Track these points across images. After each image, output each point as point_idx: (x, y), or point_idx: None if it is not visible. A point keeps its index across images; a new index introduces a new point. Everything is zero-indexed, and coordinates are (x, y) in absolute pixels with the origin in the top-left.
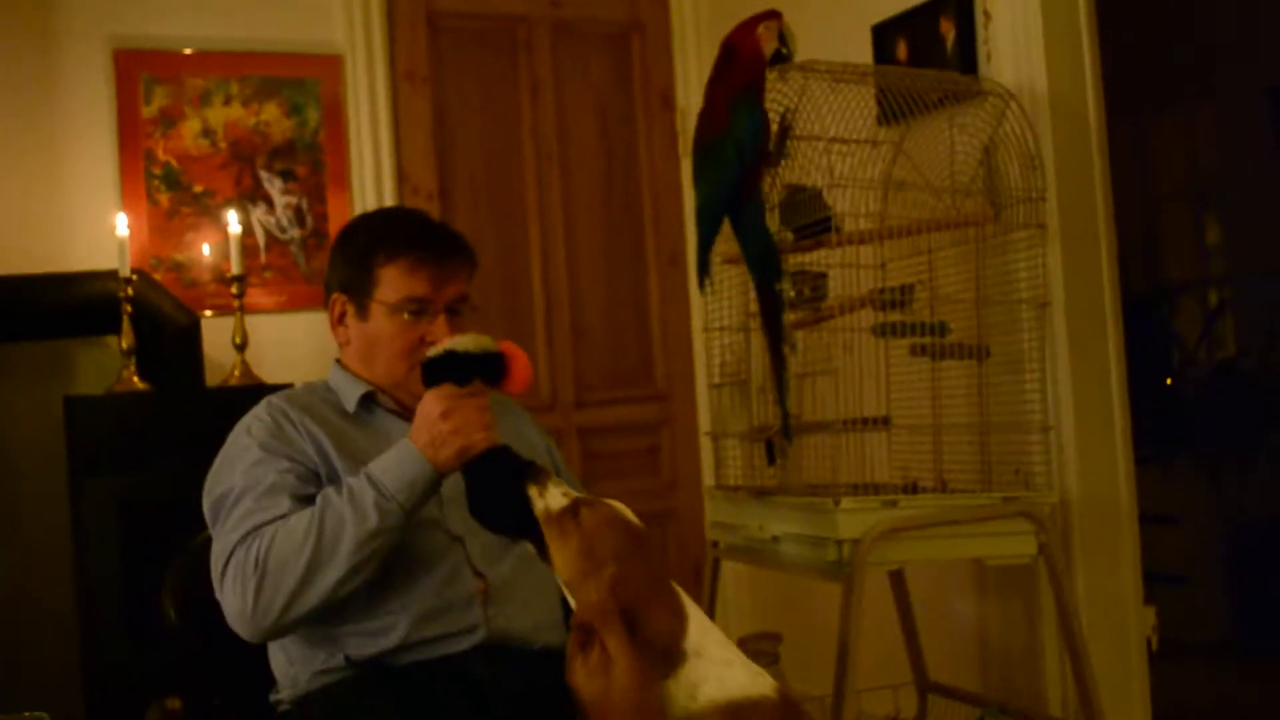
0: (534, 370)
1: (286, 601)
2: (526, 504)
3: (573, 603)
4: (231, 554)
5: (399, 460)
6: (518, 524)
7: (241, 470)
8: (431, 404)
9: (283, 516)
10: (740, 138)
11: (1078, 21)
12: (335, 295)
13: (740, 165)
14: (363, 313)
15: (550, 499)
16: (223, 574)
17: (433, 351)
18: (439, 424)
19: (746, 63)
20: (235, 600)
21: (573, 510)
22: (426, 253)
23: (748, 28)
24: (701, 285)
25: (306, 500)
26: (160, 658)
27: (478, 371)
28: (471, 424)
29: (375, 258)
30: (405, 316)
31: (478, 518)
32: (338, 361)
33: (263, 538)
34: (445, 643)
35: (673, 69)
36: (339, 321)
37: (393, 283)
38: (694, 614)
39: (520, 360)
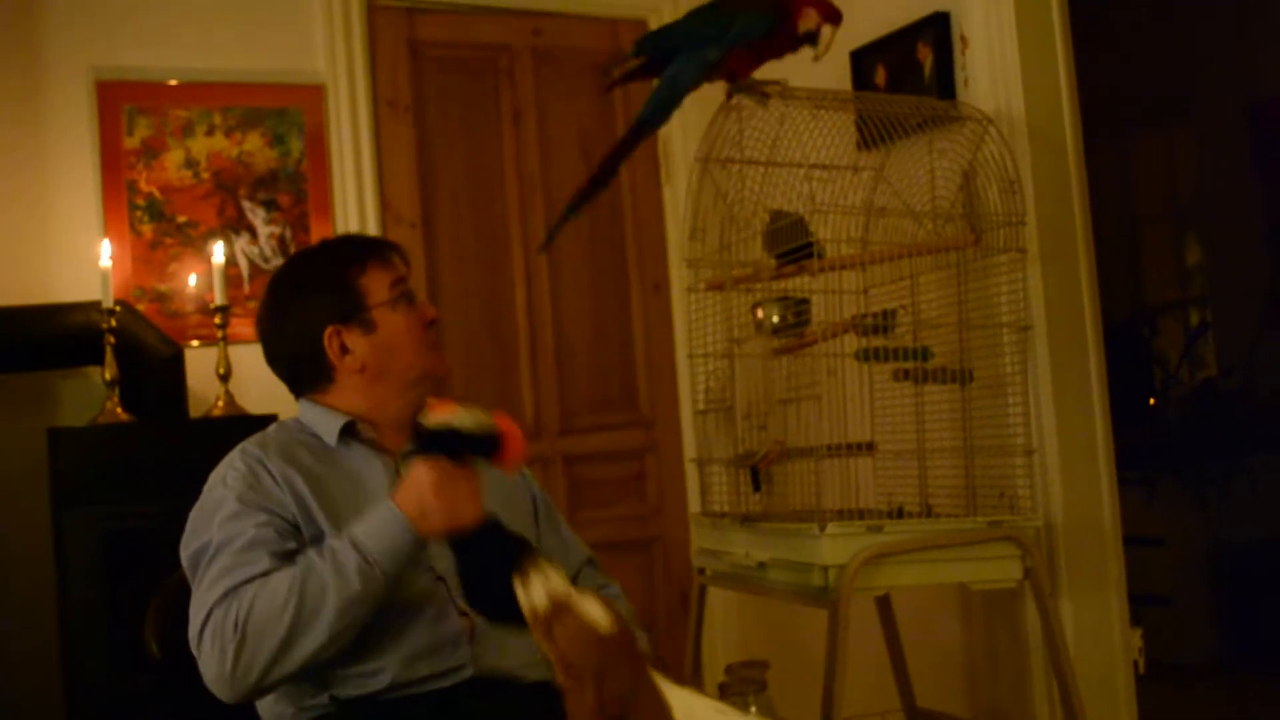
0: (527, 447)
1: (266, 666)
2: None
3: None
4: (210, 614)
5: (383, 524)
6: (516, 615)
7: (219, 523)
8: (424, 474)
9: (263, 574)
10: (744, 23)
11: (1054, 45)
12: (328, 331)
13: (725, 38)
14: (368, 326)
15: (534, 597)
16: (200, 634)
17: (432, 423)
18: (429, 498)
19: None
20: (213, 663)
21: (550, 619)
22: (375, 248)
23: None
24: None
25: (286, 556)
26: (144, 688)
27: (475, 450)
28: (464, 499)
29: (350, 273)
30: (404, 304)
31: (476, 609)
32: (309, 399)
33: (242, 599)
34: (433, 681)
35: None
36: (341, 354)
37: (377, 281)
38: (678, 698)
39: (515, 439)
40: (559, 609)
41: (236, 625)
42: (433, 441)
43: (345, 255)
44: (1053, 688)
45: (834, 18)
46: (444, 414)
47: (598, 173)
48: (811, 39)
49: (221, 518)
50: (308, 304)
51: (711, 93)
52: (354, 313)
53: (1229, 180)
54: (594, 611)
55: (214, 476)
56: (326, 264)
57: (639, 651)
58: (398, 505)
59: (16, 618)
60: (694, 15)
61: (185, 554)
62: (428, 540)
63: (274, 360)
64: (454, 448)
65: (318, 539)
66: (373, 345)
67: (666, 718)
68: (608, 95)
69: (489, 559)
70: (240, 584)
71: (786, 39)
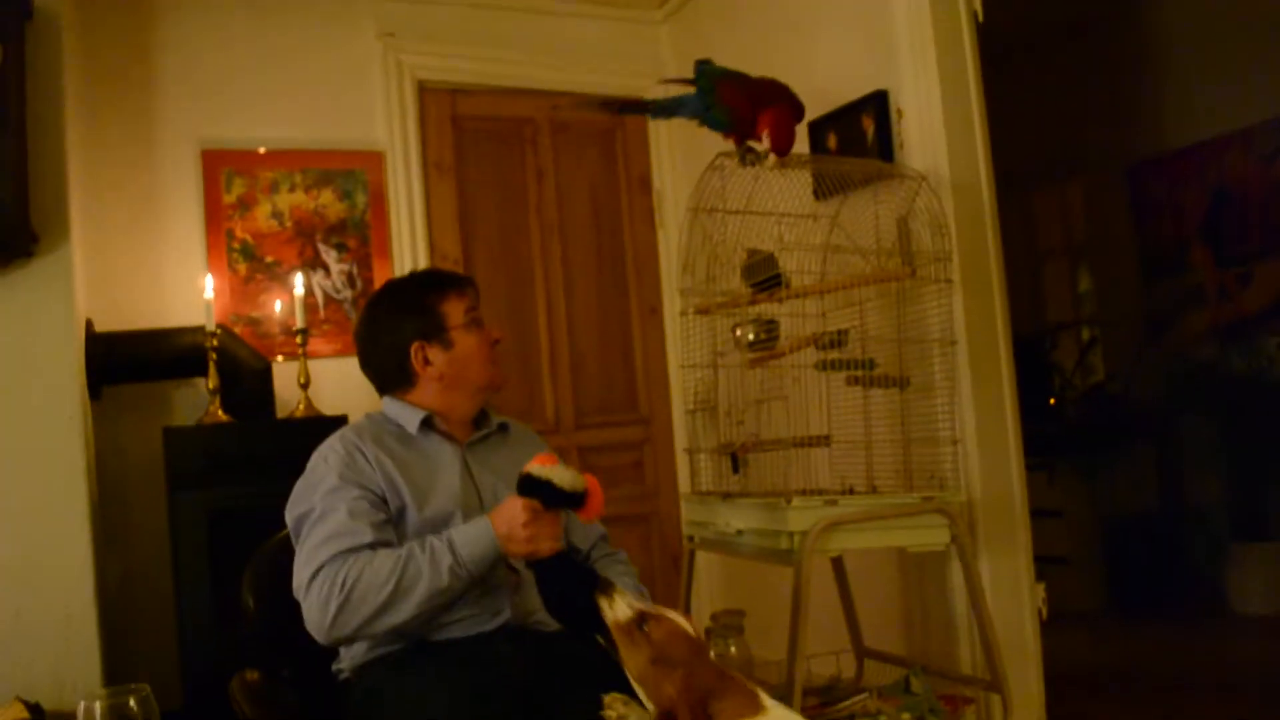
0: (603, 501)
1: (359, 626)
2: (596, 609)
3: (642, 696)
4: (319, 570)
5: (477, 537)
6: (588, 623)
7: (321, 494)
8: (518, 510)
9: (368, 545)
10: (714, 115)
11: (972, 117)
12: (414, 346)
13: (703, 116)
14: (447, 344)
15: (618, 610)
16: (308, 584)
17: (537, 471)
18: (518, 529)
19: (750, 108)
20: (316, 612)
21: (639, 622)
22: (455, 281)
23: (772, 118)
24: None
25: (380, 526)
26: (242, 637)
27: (564, 503)
28: (544, 537)
29: (432, 300)
30: (475, 327)
31: (554, 616)
32: (393, 397)
33: (350, 566)
34: (478, 621)
35: (649, 159)
36: (425, 364)
37: (454, 308)
38: (769, 702)
39: (598, 497)
40: (649, 616)
41: (343, 586)
42: (532, 487)
43: (430, 285)
44: (973, 630)
45: (781, 149)
46: (547, 469)
47: (617, 105)
48: (757, 156)
49: (324, 490)
50: (399, 323)
51: (702, 155)
52: (436, 332)
53: (1112, 224)
54: (682, 619)
55: (317, 455)
56: (415, 291)
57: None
58: (492, 525)
59: (140, 579)
60: (717, 76)
61: (290, 516)
62: (509, 556)
63: (367, 366)
64: (548, 497)
65: (401, 510)
66: (450, 359)
67: (751, 699)
68: (611, 158)
69: (563, 580)
70: (349, 549)
71: (743, 138)
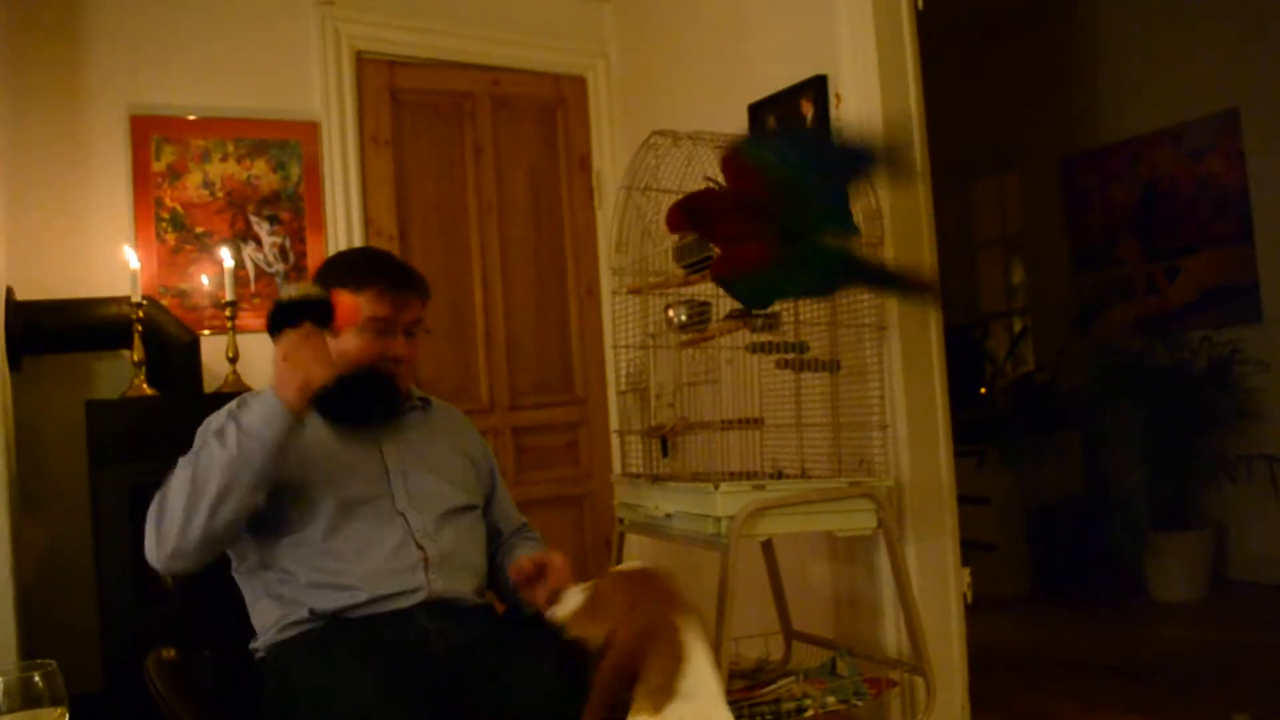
0: (359, 309)
1: (180, 529)
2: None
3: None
4: (147, 513)
5: (259, 402)
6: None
7: (198, 435)
8: (275, 351)
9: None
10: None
11: (909, 104)
12: None
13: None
14: (333, 330)
15: (568, 604)
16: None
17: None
18: (280, 366)
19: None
20: (147, 540)
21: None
22: (389, 283)
23: None
24: None
25: None
26: (162, 614)
27: (305, 315)
28: (306, 361)
29: (348, 285)
30: (369, 334)
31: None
32: None
33: (162, 488)
34: (395, 600)
35: (590, 137)
36: None
37: (363, 302)
38: (696, 658)
39: (345, 304)
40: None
41: (158, 504)
42: (271, 322)
43: (361, 268)
44: (899, 614)
45: None
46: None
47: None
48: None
49: (204, 431)
50: (321, 282)
51: (638, 132)
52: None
53: (1045, 217)
54: (631, 565)
55: (202, 426)
56: (346, 266)
57: (669, 592)
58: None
59: (61, 556)
60: None
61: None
62: (295, 407)
63: None
64: (285, 318)
65: (303, 482)
66: (334, 344)
67: (675, 663)
68: (551, 135)
69: (355, 397)
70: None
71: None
